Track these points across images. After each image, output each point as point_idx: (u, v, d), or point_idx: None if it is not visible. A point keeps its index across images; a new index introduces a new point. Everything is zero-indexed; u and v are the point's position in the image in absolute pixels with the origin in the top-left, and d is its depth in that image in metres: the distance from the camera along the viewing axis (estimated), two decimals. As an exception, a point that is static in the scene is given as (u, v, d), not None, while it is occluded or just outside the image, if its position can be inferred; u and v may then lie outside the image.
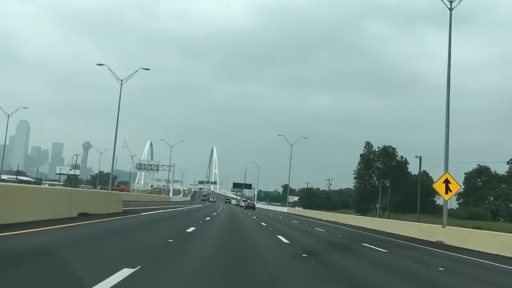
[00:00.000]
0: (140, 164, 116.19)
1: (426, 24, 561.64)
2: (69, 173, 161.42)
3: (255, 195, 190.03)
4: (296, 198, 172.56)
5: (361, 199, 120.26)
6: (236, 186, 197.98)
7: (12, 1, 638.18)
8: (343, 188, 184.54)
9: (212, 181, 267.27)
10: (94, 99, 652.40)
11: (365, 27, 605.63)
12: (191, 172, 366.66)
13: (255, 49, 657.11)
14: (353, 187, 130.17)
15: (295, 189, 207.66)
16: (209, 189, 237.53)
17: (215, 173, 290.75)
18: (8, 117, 74.38)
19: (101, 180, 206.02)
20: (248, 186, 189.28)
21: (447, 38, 26.37)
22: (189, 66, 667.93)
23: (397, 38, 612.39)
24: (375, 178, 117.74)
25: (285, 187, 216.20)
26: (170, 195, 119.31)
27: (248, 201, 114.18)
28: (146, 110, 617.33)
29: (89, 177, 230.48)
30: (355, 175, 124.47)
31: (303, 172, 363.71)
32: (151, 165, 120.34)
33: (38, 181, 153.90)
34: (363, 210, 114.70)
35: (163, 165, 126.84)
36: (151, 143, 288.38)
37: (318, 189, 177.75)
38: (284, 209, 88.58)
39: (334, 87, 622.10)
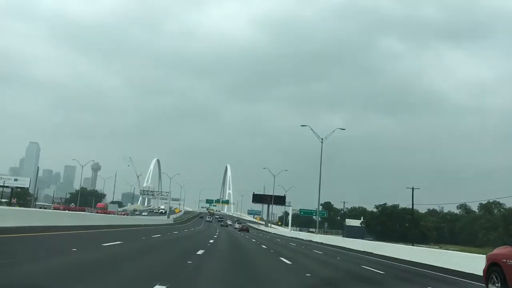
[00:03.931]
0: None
1: (441, 40, 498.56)
2: (14, 185, 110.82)
3: (289, 213, 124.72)
4: (358, 223, 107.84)
5: None
6: (258, 199, 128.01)
7: (17, 21, 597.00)
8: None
9: (224, 199, 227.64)
10: (102, 120, 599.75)
11: (379, 44, 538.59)
12: (200, 192, 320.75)
13: (266, 68, 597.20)
14: None
15: (340, 210, 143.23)
16: (213, 209, 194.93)
17: (229, 193, 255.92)
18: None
19: (84, 198, 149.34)
20: (280, 200, 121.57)
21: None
22: (197, 86, 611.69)
23: (411, 54, 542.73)
24: None
25: (327, 205, 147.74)
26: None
27: (242, 224, 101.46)
28: (154, 132, 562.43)
29: (68, 195, 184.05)
30: None
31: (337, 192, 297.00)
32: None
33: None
34: None
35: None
36: (158, 161, 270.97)
37: (396, 205, 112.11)
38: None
39: (347, 106, 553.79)
